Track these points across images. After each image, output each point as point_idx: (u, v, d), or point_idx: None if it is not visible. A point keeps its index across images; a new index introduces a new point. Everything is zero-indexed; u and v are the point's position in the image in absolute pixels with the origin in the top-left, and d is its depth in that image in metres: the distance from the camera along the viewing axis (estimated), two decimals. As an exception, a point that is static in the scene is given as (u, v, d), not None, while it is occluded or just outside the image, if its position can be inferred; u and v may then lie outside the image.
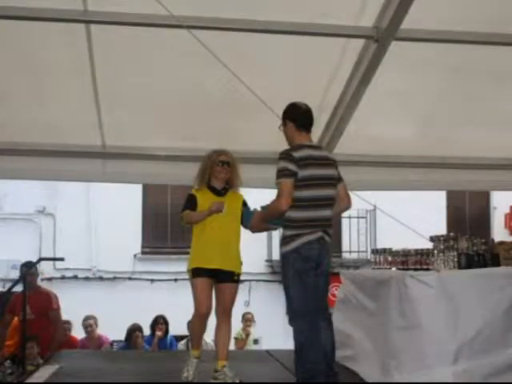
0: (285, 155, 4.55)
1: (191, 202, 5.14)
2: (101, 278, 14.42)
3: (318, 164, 4.57)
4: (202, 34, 5.07)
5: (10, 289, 6.77)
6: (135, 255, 14.66)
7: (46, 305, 7.81)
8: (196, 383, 5.10)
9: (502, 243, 5.94)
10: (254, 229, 5.14)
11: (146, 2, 4.83)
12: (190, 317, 5.35)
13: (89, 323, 9.40)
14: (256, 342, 10.74)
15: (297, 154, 4.52)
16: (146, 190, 14.57)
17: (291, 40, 5.35)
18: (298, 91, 5.87)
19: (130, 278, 14.47)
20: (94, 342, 9.30)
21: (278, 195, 4.49)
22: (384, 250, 6.06)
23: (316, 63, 5.70)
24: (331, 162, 4.71)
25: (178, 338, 10.13)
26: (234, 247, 5.13)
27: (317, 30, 5.22)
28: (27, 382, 5.46)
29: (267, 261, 15.07)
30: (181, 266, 15.47)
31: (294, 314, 4.51)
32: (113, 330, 9.92)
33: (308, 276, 4.46)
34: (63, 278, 13.76)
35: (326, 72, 5.83)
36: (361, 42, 5.45)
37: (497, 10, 5.15)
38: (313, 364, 4.45)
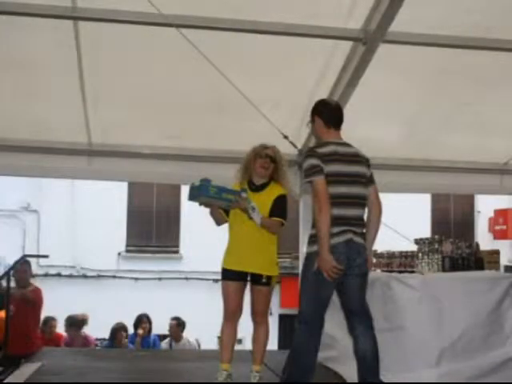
0: (309, 152, 4.45)
1: None
2: (84, 276, 14.36)
3: (345, 160, 4.40)
4: (191, 33, 5.07)
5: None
6: (119, 253, 14.62)
7: (35, 301, 7.79)
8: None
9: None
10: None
11: (136, 0, 4.82)
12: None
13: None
14: (239, 342, 10.74)
15: (321, 150, 4.38)
16: (132, 188, 14.52)
17: (279, 40, 5.34)
18: (285, 92, 5.92)
19: (114, 277, 14.42)
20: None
21: (314, 196, 4.33)
22: (369, 252, 6.08)
23: (304, 64, 5.70)
24: (361, 160, 4.51)
25: (161, 337, 10.15)
26: (262, 248, 5.00)
27: (305, 31, 5.20)
28: (8, 380, 5.43)
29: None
30: (165, 265, 15.57)
31: (300, 317, 4.41)
32: (96, 328, 9.90)
33: (325, 281, 4.28)
34: (46, 275, 13.69)
35: (313, 73, 5.83)
36: (349, 44, 5.44)
37: (484, 15, 5.17)
38: (300, 370, 4.38)
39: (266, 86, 5.79)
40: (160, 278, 14.36)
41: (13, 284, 7.11)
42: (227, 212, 5.09)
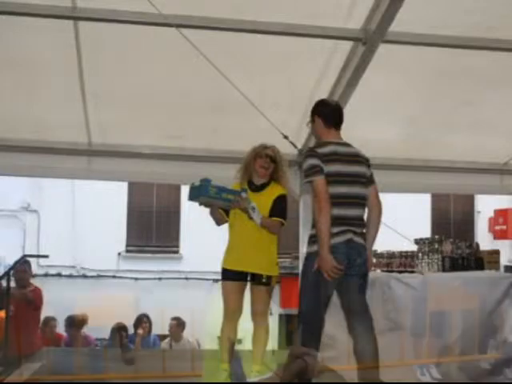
0: (309, 152, 4.46)
1: None
2: (84, 276, 14.36)
3: (345, 160, 4.42)
4: (191, 33, 5.07)
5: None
6: (119, 253, 14.61)
7: (35, 301, 7.80)
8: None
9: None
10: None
11: (136, 0, 4.81)
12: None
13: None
14: (239, 342, 10.73)
15: (321, 150, 4.40)
16: (132, 188, 14.52)
17: (279, 40, 5.34)
18: (285, 92, 5.92)
19: (114, 276, 14.42)
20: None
21: (315, 196, 4.34)
22: (369, 252, 6.08)
23: (304, 64, 5.70)
24: (361, 160, 4.54)
25: (161, 337, 10.14)
26: (262, 248, 5.00)
27: (305, 31, 5.20)
28: (8, 380, 5.43)
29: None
30: (165, 265, 15.53)
31: (300, 317, 4.42)
32: (96, 328, 9.89)
33: (325, 281, 4.29)
34: (46, 275, 13.68)
35: (313, 73, 5.83)
36: (349, 44, 5.44)
37: (484, 15, 5.17)
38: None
39: (266, 86, 5.79)
40: (160, 278, 14.36)
41: (13, 284, 7.11)
42: (227, 212, 5.09)
